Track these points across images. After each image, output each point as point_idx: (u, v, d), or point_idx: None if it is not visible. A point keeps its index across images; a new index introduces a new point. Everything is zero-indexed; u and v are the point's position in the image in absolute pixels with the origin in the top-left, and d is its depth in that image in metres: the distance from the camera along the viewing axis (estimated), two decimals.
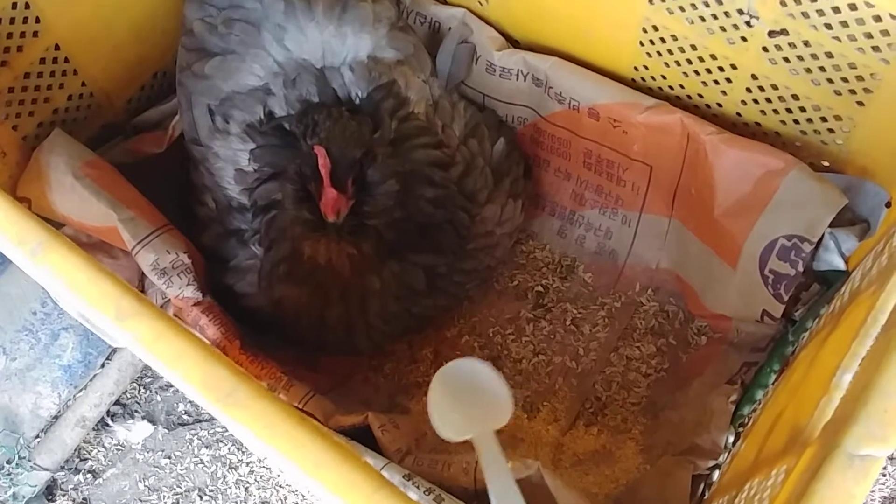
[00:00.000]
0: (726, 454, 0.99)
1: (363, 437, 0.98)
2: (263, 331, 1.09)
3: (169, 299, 1.04)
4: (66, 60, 1.11)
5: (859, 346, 0.72)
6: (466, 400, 0.90)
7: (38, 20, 1.05)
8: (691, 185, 1.12)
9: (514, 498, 0.76)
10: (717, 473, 0.99)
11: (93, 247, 1.08)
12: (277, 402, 0.62)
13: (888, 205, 0.98)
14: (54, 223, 1.05)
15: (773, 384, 1.02)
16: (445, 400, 0.90)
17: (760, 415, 0.98)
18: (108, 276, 0.66)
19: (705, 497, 0.98)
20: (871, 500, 1.31)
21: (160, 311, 0.64)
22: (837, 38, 0.92)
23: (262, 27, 1.10)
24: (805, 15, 0.92)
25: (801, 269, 1.01)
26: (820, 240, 1.00)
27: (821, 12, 0.91)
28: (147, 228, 1.03)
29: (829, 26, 0.91)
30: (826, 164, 1.05)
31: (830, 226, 0.99)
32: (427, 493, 0.88)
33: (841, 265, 1.01)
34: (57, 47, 1.09)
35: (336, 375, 1.16)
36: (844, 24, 0.90)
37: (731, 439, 1.00)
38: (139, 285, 1.09)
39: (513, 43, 1.23)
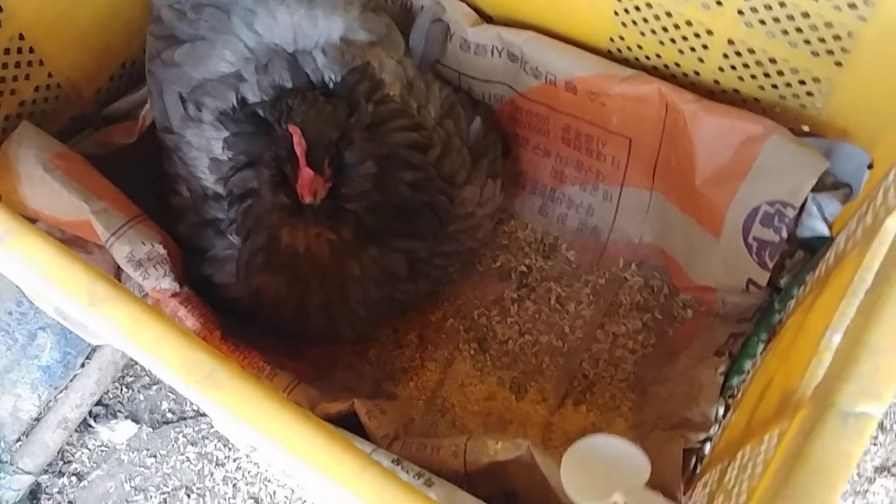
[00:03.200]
0: (717, 426, 0.98)
1: (350, 424, 0.96)
2: (244, 321, 1.08)
3: (146, 292, 1.03)
4: (31, 51, 1.08)
5: (847, 307, 0.71)
6: (603, 471, 0.88)
7: (0, 9, 1.03)
8: (671, 156, 1.11)
9: None
10: (708, 446, 0.98)
11: (67, 242, 1.05)
12: (258, 384, 0.60)
13: (870, 167, 0.98)
14: (27, 219, 1.03)
15: (761, 354, 1.01)
16: (582, 478, 0.88)
17: (750, 384, 0.97)
18: (79, 262, 0.64)
19: (698, 470, 0.97)
20: (864, 469, 1.31)
21: (133, 296, 0.63)
22: None
23: (232, 12, 1.08)
24: None
25: (784, 235, 1.00)
26: (802, 206, 0.99)
27: None
28: (120, 219, 1.01)
29: None
30: (806, 128, 1.04)
31: (812, 191, 0.98)
32: (417, 476, 0.87)
33: (824, 231, 1.01)
34: (21, 37, 1.07)
35: (320, 363, 1.14)
36: None
37: (722, 411, 0.99)
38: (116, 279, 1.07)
39: (486, 18, 1.21)
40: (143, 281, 1.00)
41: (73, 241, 1.06)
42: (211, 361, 0.59)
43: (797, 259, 1.05)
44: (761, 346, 1.02)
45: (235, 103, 1.05)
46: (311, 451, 0.58)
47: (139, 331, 0.60)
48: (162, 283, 1.01)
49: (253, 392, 0.59)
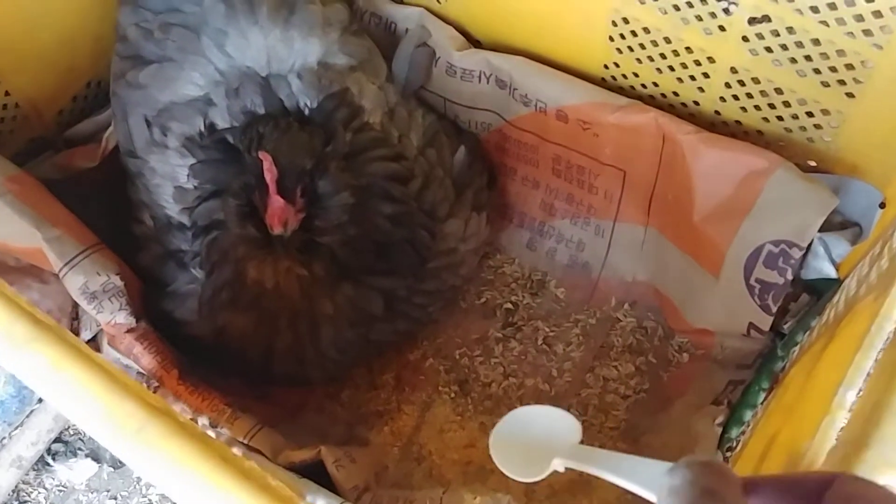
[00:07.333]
0: None
1: (316, 473, 0.90)
2: (206, 360, 1.01)
3: (101, 327, 0.96)
4: None
5: (863, 359, 0.65)
6: (535, 443, 0.80)
7: None
8: (668, 190, 1.05)
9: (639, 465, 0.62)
10: None
11: (21, 271, 1.00)
12: (198, 439, 0.53)
13: (882, 205, 0.92)
14: None
15: (762, 403, 0.95)
16: (516, 455, 0.80)
17: (750, 437, 0.91)
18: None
19: None
20: None
21: (59, 337, 0.55)
22: (825, 23, 0.85)
23: (202, 32, 1.02)
24: None
25: (789, 276, 0.94)
26: (808, 245, 0.93)
27: None
28: (75, 248, 0.95)
29: (815, 10, 0.85)
30: (813, 163, 0.98)
31: (819, 230, 0.92)
32: None
33: (832, 273, 0.95)
34: None
35: (287, 405, 1.07)
36: (832, 6, 0.83)
37: None
38: (73, 312, 1.01)
39: (474, 43, 1.15)
40: (97, 315, 0.94)
41: (27, 270, 0.99)
42: (142, 414, 0.52)
43: (802, 303, 1.00)
44: (762, 396, 0.96)
45: (203, 129, 0.99)
46: None
47: (59, 379, 0.52)
48: (117, 317, 0.94)
49: (191, 451, 0.52)
